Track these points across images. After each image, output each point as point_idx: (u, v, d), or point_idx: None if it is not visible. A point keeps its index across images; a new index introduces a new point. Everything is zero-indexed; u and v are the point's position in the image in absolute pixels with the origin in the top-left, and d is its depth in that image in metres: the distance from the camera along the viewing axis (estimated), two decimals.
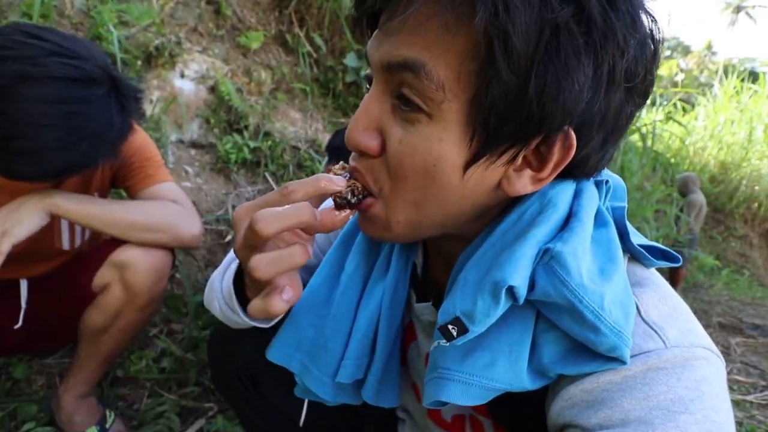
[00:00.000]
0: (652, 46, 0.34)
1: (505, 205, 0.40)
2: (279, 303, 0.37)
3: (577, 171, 0.37)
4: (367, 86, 0.41)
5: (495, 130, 0.33)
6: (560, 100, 0.32)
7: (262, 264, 0.36)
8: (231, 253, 0.53)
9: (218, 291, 0.52)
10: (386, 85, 0.37)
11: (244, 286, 0.47)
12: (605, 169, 0.46)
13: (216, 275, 0.54)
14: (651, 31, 0.34)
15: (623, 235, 0.41)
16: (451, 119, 0.34)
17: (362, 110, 0.38)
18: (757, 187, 6.49)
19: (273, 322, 0.51)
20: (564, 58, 0.31)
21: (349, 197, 0.39)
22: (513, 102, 0.32)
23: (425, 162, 0.35)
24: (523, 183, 0.36)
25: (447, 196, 0.37)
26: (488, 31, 0.30)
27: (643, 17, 0.34)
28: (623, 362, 0.34)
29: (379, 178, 0.38)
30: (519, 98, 0.32)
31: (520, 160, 0.35)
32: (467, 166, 0.35)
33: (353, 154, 0.41)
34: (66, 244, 0.89)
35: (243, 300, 0.49)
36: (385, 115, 0.37)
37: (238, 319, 0.50)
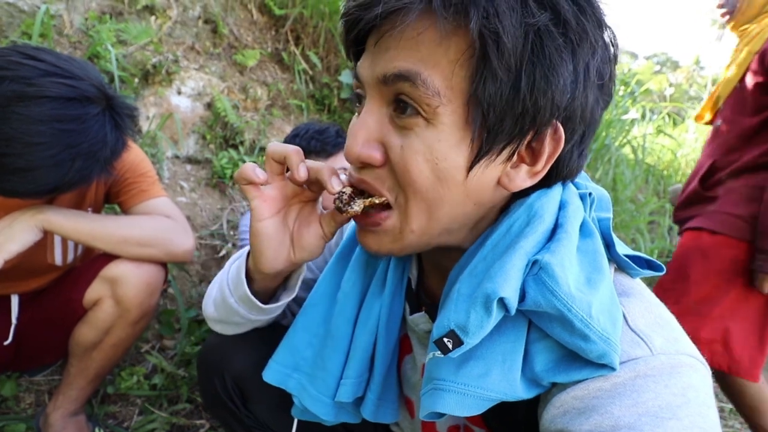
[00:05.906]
0: (612, 49, 0.39)
1: (500, 208, 0.42)
2: (250, 169, 0.45)
3: (562, 168, 0.40)
4: (357, 105, 0.42)
5: (494, 126, 0.36)
6: (549, 93, 0.35)
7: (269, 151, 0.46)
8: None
9: (224, 272, 0.54)
10: (382, 98, 0.39)
11: (251, 281, 0.51)
12: (590, 182, 0.48)
13: (223, 270, 0.57)
14: (610, 37, 0.38)
15: (609, 246, 0.43)
16: (446, 122, 0.36)
17: (360, 124, 0.39)
18: None
19: (270, 314, 0.53)
20: (549, 56, 0.34)
21: (351, 205, 0.41)
22: (508, 99, 0.35)
23: (428, 162, 0.37)
24: (521, 177, 0.39)
25: (453, 196, 0.38)
26: (482, 32, 0.33)
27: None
28: (613, 369, 0.35)
29: (392, 186, 0.40)
30: (513, 95, 0.35)
31: (516, 156, 0.38)
32: (471, 165, 0.37)
33: (350, 167, 0.42)
34: (58, 260, 0.89)
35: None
36: (383, 126, 0.39)
37: (234, 302, 0.52)
